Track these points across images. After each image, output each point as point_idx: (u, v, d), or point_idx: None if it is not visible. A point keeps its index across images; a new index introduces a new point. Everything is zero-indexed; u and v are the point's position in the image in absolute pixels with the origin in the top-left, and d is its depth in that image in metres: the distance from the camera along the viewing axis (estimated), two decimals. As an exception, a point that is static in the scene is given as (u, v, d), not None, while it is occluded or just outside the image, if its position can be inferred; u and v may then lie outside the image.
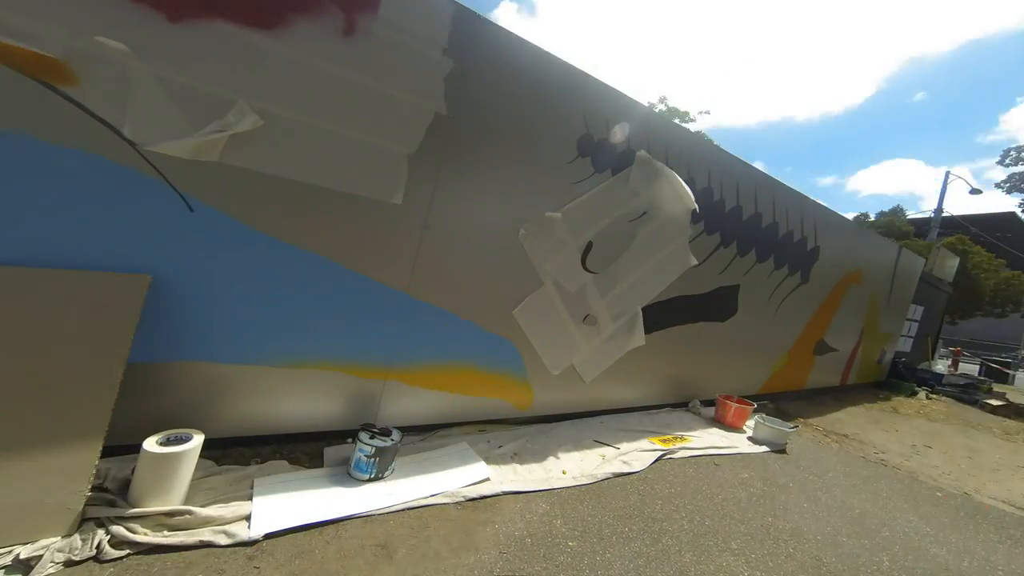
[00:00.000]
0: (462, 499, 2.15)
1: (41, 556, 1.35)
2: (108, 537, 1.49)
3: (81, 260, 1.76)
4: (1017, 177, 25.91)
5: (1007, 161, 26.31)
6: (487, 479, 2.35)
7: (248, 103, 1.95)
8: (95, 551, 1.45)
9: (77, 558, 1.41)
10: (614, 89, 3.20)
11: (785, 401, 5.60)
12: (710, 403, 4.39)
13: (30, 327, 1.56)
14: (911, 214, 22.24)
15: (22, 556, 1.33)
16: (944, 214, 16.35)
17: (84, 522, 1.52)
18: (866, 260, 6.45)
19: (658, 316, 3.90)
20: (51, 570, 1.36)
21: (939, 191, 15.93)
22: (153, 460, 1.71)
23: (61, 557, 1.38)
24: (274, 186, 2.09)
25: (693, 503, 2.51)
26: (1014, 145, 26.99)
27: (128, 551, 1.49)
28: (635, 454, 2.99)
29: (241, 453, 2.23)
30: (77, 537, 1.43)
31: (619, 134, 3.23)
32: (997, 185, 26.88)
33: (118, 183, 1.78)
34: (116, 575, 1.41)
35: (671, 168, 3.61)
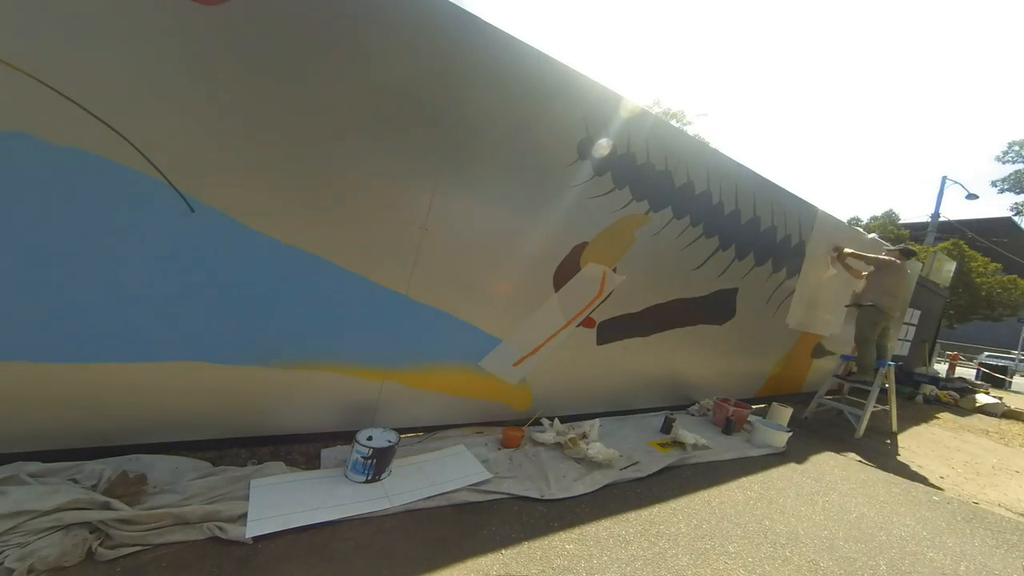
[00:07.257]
0: (459, 501, 2.15)
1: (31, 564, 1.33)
2: (100, 540, 1.48)
3: (82, 261, 1.75)
4: (1014, 177, 23.72)
5: (1008, 157, 23.75)
6: (484, 481, 2.34)
7: None
8: (86, 555, 1.43)
9: (68, 563, 1.40)
10: (614, 92, 3.20)
11: (783, 404, 5.59)
12: (708, 406, 4.39)
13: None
14: (904, 218, 22.06)
15: (5, 564, 1.31)
16: (940, 219, 16.43)
17: (79, 525, 1.50)
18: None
19: (656, 318, 3.90)
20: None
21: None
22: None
23: (51, 563, 1.36)
24: (275, 187, 2.09)
25: (690, 506, 2.51)
26: (1019, 139, 23.83)
27: (122, 552, 1.47)
28: (633, 457, 2.98)
29: (237, 454, 2.22)
30: (68, 542, 1.41)
31: (619, 139, 3.23)
32: (993, 183, 24.92)
33: (119, 183, 1.77)
34: (109, 578, 1.39)
35: (670, 171, 3.63)
